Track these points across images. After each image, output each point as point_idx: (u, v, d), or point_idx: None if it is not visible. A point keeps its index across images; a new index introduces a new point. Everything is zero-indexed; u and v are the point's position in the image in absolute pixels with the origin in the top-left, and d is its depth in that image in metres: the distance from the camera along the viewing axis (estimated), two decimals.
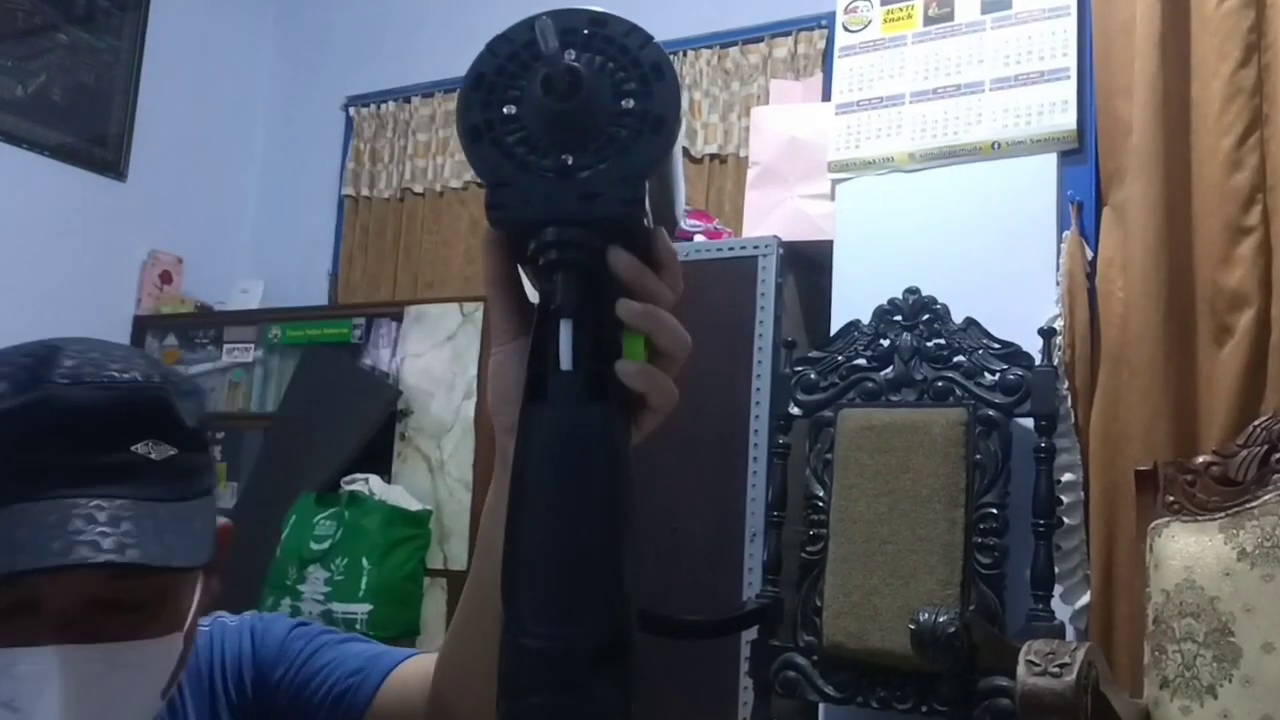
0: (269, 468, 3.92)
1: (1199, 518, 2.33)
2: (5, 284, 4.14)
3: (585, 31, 0.68)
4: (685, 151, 3.89)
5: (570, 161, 0.66)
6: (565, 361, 0.66)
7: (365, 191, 4.77)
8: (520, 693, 0.62)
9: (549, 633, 0.62)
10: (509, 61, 0.68)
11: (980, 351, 2.66)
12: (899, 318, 2.78)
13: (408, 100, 4.72)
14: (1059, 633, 2.47)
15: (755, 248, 3.19)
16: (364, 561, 3.37)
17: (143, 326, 4.56)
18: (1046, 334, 2.62)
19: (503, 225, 0.69)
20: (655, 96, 0.67)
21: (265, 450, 4.02)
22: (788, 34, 3.86)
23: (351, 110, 4.91)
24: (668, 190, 0.73)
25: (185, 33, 4.84)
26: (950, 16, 3.04)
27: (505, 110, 0.68)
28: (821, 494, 2.75)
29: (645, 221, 0.69)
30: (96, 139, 4.52)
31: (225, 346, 4.36)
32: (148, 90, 4.68)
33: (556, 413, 0.67)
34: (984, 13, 2.99)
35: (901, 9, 3.11)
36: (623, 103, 0.67)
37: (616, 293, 0.70)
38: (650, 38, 0.69)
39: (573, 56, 0.66)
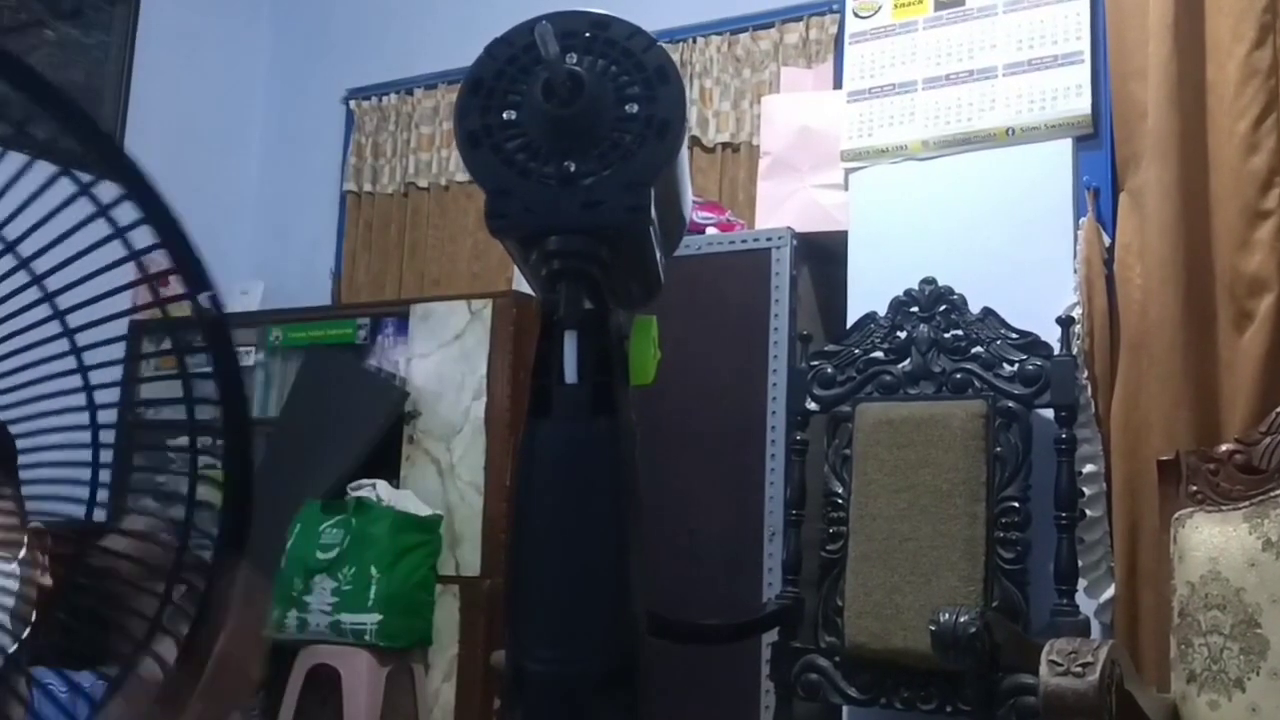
0: (272, 475, 3.87)
1: (1223, 507, 2.30)
2: None
3: (587, 35, 0.65)
4: (697, 140, 3.87)
5: (572, 168, 0.64)
6: (570, 374, 0.65)
7: (368, 187, 4.74)
8: None
9: (552, 656, 0.61)
10: (508, 65, 0.66)
11: (998, 342, 2.65)
12: (915, 309, 2.76)
13: (410, 92, 4.68)
14: (1084, 627, 2.46)
15: (768, 240, 3.17)
16: (372, 570, 3.31)
17: (138, 331, 4.52)
18: (1065, 323, 2.60)
19: (503, 234, 0.68)
20: (660, 101, 0.66)
21: (268, 457, 3.96)
22: (799, 19, 3.82)
23: (352, 103, 4.87)
24: (673, 194, 0.71)
25: (178, 26, 4.78)
26: (961, 1, 3.01)
27: (505, 116, 0.66)
28: (840, 491, 2.72)
29: (650, 229, 0.67)
30: None
31: None
32: (140, 87, 4.61)
33: (561, 427, 0.66)
34: None
35: None
36: (626, 107, 0.65)
37: (621, 303, 0.68)
38: (654, 41, 0.67)
39: (574, 60, 0.64)
